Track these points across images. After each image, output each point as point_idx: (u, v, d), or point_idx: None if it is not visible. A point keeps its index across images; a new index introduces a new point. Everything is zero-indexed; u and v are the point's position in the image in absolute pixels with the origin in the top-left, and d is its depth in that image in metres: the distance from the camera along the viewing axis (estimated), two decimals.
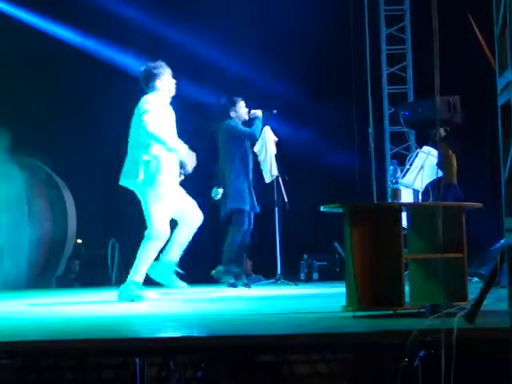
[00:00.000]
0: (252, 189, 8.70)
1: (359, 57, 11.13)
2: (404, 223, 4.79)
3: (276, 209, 9.78)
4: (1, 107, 10.56)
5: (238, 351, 3.59)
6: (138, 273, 6.92)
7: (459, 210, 4.80)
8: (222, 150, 8.81)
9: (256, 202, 8.70)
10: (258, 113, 8.79)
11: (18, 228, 11.47)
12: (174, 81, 7.27)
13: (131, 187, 7.09)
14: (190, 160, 7.12)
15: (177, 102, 7.37)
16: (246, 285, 8.58)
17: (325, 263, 11.15)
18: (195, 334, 3.96)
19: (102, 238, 12.00)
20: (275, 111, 9.06)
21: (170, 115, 7.23)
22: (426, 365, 3.41)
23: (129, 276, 6.96)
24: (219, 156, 8.86)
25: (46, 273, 11.94)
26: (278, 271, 9.76)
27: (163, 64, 7.26)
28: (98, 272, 11.92)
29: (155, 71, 7.19)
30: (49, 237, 11.83)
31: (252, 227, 8.74)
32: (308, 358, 3.61)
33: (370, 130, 11.02)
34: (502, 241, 7.49)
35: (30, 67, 11.64)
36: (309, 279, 10.95)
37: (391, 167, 5.46)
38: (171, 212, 7.08)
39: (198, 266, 10.54)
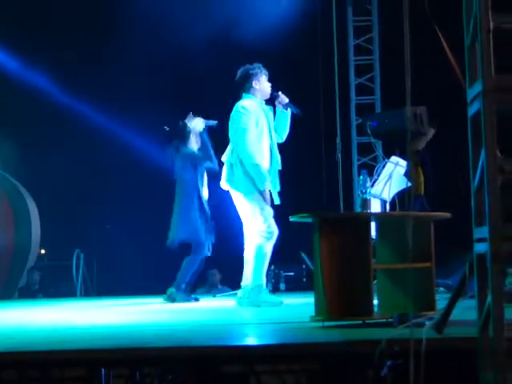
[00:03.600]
0: (207, 217, 8.39)
1: (327, 67, 11.18)
2: (373, 233, 4.79)
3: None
4: None
5: (204, 362, 3.55)
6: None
7: (427, 219, 4.80)
8: (177, 174, 8.47)
9: (211, 230, 8.42)
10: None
11: None
12: (269, 84, 7.17)
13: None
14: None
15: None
16: (196, 299, 8.43)
17: (292, 273, 11.13)
18: (161, 344, 3.90)
19: (66, 248, 11.88)
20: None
21: (265, 123, 7.09)
22: (394, 375, 3.40)
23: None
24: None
25: (9, 284, 11.80)
26: None
27: (261, 66, 7.17)
28: (62, 283, 11.79)
29: (252, 71, 7.11)
30: (12, 247, 11.69)
31: (210, 254, 8.55)
32: (275, 369, 3.59)
33: (338, 140, 11.06)
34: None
35: None
36: (276, 290, 10.92)
37: (361, 177, 5.45)
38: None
39: (156, 277, 10.48)
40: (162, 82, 11.52)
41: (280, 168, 7.27)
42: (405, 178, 6.83)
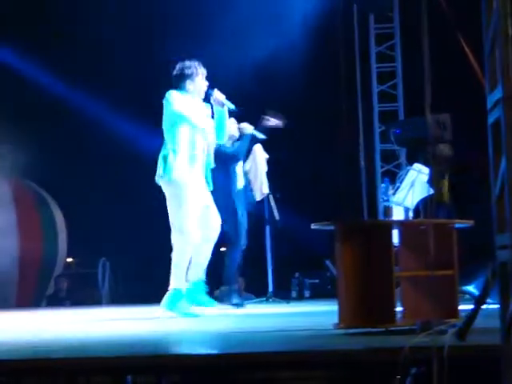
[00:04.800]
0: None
1: (349, 75, 11.18)
2: (395, 240, 4.79)
3: (267, 227, 9.77)
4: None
5: (229, 369, 3.57)
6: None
7: (450, 227, 4.80)
8: None
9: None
10: (249, 128, 8.35)
11: (7, 247, 11.44)
12: (206, 83, 6.95)
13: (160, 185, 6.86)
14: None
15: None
16: (239, 304, 8.47)
17: (316, 281, 11.14)
18: (188, 352, 3.93)
19: (93, 257, 11.97)
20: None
21: (203, 110, 6.92)
22: (417, 382, 3.40)
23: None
24: None
25: (37, 292, 11.91)
26: (270, 289, 9.74)
27: (198, 64, 6.91)
28: (88, 291, 11.88)
29: (187, 71, 6.85)
30: (40, 256, 11.80)
31: (244, 246, 8.61)
32: (299, 376, 3.60)
33: (361, 147, 11.08)
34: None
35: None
36: (300, 297, 10.93)
37: (383, 185, 5.46)
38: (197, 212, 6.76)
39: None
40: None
41: (212, 166, 7.03)
42: (427, 185, 6.83)
